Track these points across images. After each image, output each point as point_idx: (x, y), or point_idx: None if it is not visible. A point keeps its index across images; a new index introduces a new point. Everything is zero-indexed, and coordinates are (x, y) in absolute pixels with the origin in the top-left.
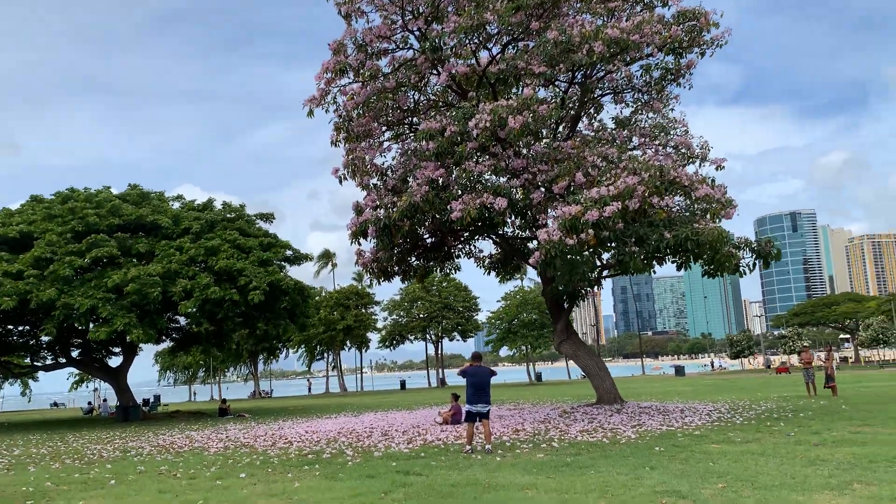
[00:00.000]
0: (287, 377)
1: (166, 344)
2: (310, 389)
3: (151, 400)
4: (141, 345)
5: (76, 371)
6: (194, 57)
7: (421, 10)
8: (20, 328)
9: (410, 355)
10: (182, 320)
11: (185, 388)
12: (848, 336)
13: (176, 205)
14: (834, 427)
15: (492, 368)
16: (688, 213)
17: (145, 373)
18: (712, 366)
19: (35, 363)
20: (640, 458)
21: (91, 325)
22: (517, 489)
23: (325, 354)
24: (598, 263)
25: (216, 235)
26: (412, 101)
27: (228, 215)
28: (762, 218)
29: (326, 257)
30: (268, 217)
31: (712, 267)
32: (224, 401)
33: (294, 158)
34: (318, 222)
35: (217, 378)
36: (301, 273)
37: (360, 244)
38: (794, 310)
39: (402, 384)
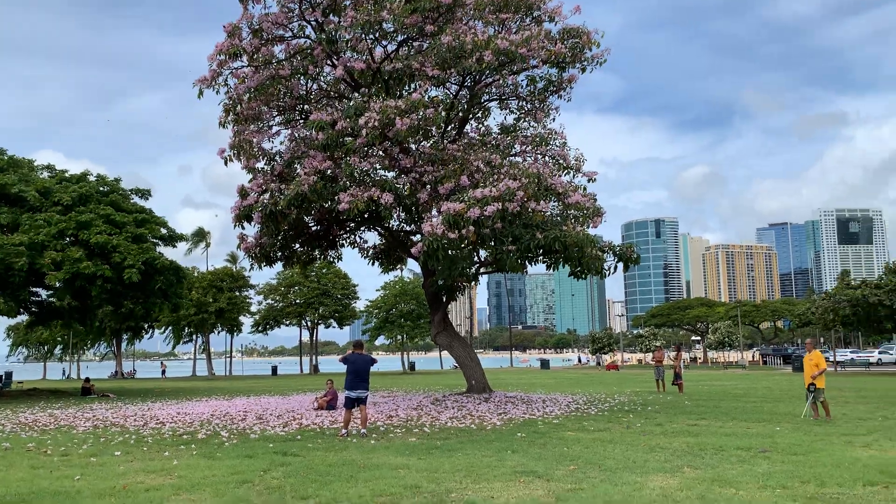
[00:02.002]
0: (150, 358)
1: (23, 317)
2: (164, 373)
3: (3, 377)
4: None
5: None
6: (66, 14)
7: (318, 2)
8: None
9: (282, 341)
10: (43, 293)
11: (39, 366)
12: (699, 338)
13: (46, 174)
14: (675, 420)
15: (372, 356)
16: (559, 218)
17: None
18: (580, 360)
19: None
20: (503, 443)
21: None
22: (390, 469)
23: (194, 337)
24: (477, 260)
25: (89, 209)
26: (304, 88)
27: (102, 188)
28: (629, 223)
29: (201, 236)
30: (144, 193)
31: (578, 268)
32: (87, 380)
33: (168, 131)
34: (189, 199)
35: (76, 356)
36: (172, 251)
37: (243, 228)
38: (652, 311)
39: (274, 370)
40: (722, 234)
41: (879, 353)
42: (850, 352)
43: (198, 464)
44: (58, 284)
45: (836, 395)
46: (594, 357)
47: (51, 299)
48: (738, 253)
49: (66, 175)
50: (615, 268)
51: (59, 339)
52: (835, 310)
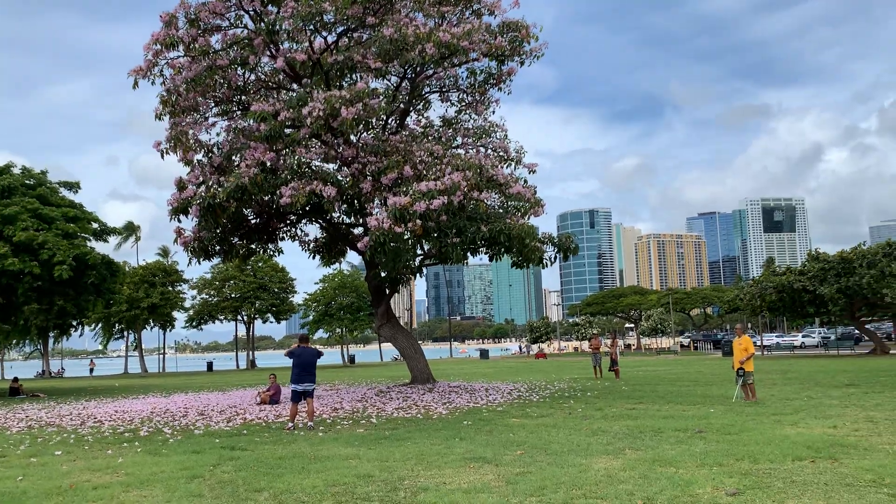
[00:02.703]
0: (77, 356)
1: None
2: (91, 371)
3: None
4: None
5: None
6: None
7: None
8: None
9: (215, 336)
10: None
11: None
12: (632, 325)
13: None
14: (614, 404)
15: (318, 349)
16: (502, 210)
17: None
18: (520, 349)
19: None
20: (450, 431)
21: None
22: (341, 459)
23: (125, 333)
24: (421, 252)
25: (14, 203)
26: (243, 79)
27: (28, 181)
28: (564, 214)
29: (131, 230)
30: (73, 186)
31: (520, 258)
32: (16, 379)
33: (91, 120)
34: (116, 191)
35: (1, 355)
36: (101, 245)
37: (180, 221)
38: (588, 300)
39: (209, 366)
40: (653, 223)
41: (803, 336)
42: (776, 336)
43: (144, 461)
44: None
45: (764, 378)
46: (524, 346)
47: None
48: (669, 242)
49: None
50: (555, 258)
51: None
52: (762, 296)
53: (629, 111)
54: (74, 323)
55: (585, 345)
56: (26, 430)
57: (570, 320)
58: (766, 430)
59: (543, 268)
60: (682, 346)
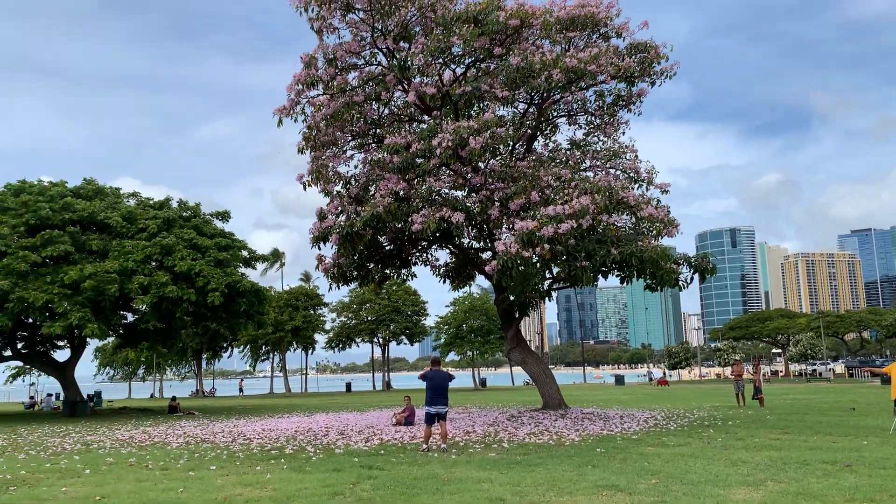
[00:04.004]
0: (227, 376)
1: (110, 339)
2: (241, 390)
3: (94, 396)
4: (89, 340)
5: (12, 365)
6: (144, 45)
7: (390, 29)
8: None
9: (354, 358)
10: (130, 316)
11: (124, 385)
12: (779, 351)
13: (131, 201)
14: (757, 434)
15: (450, 372)
16: (633, 232)
17: (81, 367)
18: (650, 378)
19: None
20: (583, 458)
21: (44, 320)
22: (474, 482)
23: (271, 355)
24: (549, 276)
25: (172, 234)
26: (377, 113)
27: (184, 214)
28: (703, 233)
29: (276, 257)
30: (223, 216)
31: (654, 281)
32: (174, 398)
33: (238, 155)
34: (261, 221)
35: (160, 375)
36: (249, 271)
37: (320, 249)
38: (730, 324)
39: (348, 386)
40: (799, 242)
41: None
42: None
43: (290, 477)
44: (145, 308)
45: None
46: (648, 373)
47: (139, 323)
48: (819, 261)
49: (150, 202)
50: (691, 280)
51: (143, 359)
52: None
53: (770, 124)
54: (225, 345)
55: (728, 371)
56: (184, 446)
57: (712, 345)
58: None
59: (680, 290)
60: (834, 373)
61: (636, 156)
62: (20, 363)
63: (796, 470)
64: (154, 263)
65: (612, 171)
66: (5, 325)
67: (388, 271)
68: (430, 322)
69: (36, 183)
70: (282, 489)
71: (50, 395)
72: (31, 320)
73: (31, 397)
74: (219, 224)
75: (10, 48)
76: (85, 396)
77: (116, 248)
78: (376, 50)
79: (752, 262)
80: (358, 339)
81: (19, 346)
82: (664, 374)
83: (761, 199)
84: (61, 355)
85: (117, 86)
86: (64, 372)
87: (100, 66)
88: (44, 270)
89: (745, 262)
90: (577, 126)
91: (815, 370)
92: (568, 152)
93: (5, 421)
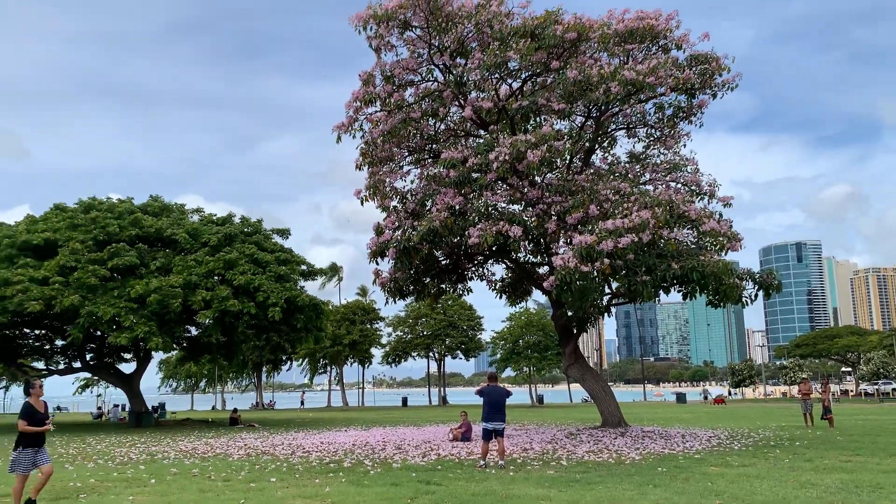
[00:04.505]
0: (286, 389)
1: (174, 352)
2: (303, 403)
3: (158, 407)
4: (153, 352)
5: (81, 376)
6: (208, 65)
7: (447, 46)
8: (36, 332)
9: (409, 372)
10: (193, 330)
11: (187, 397)
12: (849, 369)
13: (195, 217)
14: (826, 455)
15: (507, 388)
16: (695, 246)
17: (146, 379)
18: (705, 396)
19: (49, 367)
20: (644, 477)
21: (112, 333)
22: (532, 500)
23: (328, 368)
24: (608, 291)
25: (234, 249)
26: (433, 129)
27: (246, 229)
28: (768, 247)
29: (334, 271)
30: (283, 232)
31: (716, 297)
32: (235, 410)
33: (298, 171)
34: (319, 236)
35: (221, 388)
36: (307, 284)
37: (378, 263)
38: (797, 341)
39: (404, 401)
40: (870, 256)
41: None
42: None
43: (348, 490)
44: (208, 322)
45: None
46: (704, 391)
47: (202, 337)
48: (891, 276)
49: (213, 217)
50: (755, 296)
51: (205, 372)
52: None
53: (838, 135)
54: (285, 358)
55: (794, 390)
56: (245, 458)
57: (777, 363)
58: None
59: (743, 307)
60: None
61: (697, 168)
62: (89, 374)
63: (869, 493)
64: (216, 278)
65: (672, 184)
66: (76, 337)
67: (444, 286)
68: (485, 337)
69: (105, 200)
70: (341, 502)
71: (116, 405)
72: (99, 333)
73: (99, 408)
74: (279, 240)
75: (86, 73)
76: (150, 408)
77: (180, 262)
78: (433, 66)
79: (819, 278)
80: (414, 354)
81: (88, 357)
82: (730, 392)
83: (828, 212)
84: (128, 367)
85: (183, 106)
86: (130, 383)
87: (168, 87)
88: (111, 285)
89: (811, 277)
90: (636, 139)
91: (893, 389)
92: (627, 165)
93: (75, 431)
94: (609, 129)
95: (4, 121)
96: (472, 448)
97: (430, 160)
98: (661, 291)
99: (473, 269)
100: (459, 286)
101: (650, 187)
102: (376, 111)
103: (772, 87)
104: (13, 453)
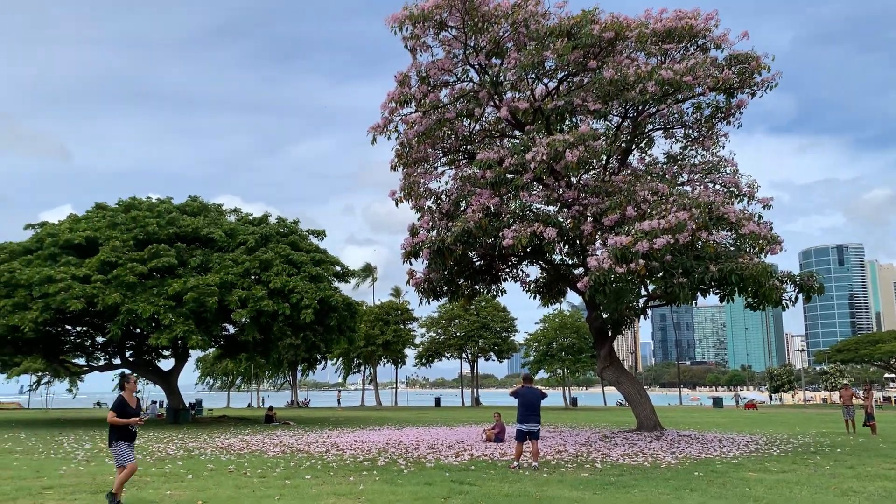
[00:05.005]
0: (320, 388)
1: (211, 350)
2: (339, 402)
3: (196, 404)
4: (191, 350)
5: (121, 372)
6: (244, 69)
7: (482, 46)
8: (78, 329)
9: (442, 373)
10: (230, 328)
11: (223, 395)
12: (893, 375)
13: (232, 217)
14: (869, 463)
15: (542, 390)
16: (734, 248)
17: (184, 376)
18: (737, 401)
19: (90, 363)
20: (680, 482)
21: (151, 330)
22: (566, 502)
23: (362, 368)
24: (644, 293)
25: (270, 249)
26: (468, 130)
27: (282, 230)
28: (808, 250)
29: (368, 271)
30: (319, 233)
31: (756, 300)
32: (270, 408)
33: (331, 173)
34: (353, 237)
35: (256, 386)
36: (342, 285)
37: (412, 264)
38: (838, 346)
39: (437, 401)
40: None
41: None
42: None
43: (382, 489)
44: (245, 320)
45: None
46: (736, 396)
47: (239, 335)
48: None
49: (250, 218)
50: (796, 299)
51: (241, 370)
52: None
53: (879, 137)
54: (319, 357)
55: (835, 396)
56: (280, 455)
57: (817, 368)
58: None
59: (783, 310)
60: None
61: (736, 169)
62: (128, 371)
63: None
64: (252, 277)
65: (710, 185)
66: (116, 334)
67: (477, 287)
68: (518, 339)
69: (144, 200)
70: (374, 500)
71: (154, 402)
72: (138, 330)
73: None
74: (314, 240)
75: (124, 76)
76: (187, 405)
77: (217, 261)
78: (468, 67)
79: (861, 281)
80: (447, 355)
81: (128, 354)
82: (771, 397)
83: (871, 215)
84: (165, 364)
85: (221, 109)
86: (168, 380)
87: (204, 90)
88: (150, 283)
89: (853, 280)
90: (673, 139)
91: None
92: (664, 166)
93: None
94: (646, 130)
95: (47, 124)
96: (506, 449)
97: (464, 161)
98: (698, 294)
99: (507, 270)
100: (493, 287)
101: (688, 188)
102: (411, 112)
103: (812, 88)
104: (111, 449)
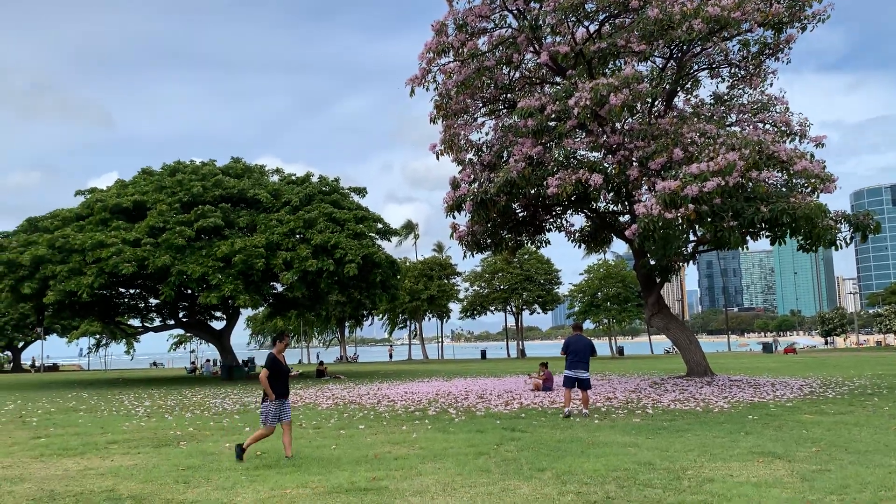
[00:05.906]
0: (367, 344)
1: (261, 308)
2: (391, 356)
3: (249, 362)
4: (241, 309)
5: (175, 333)
6: (282, 27)
7: None
8: (131, 291)
9: (487, 326)
10: (279, 286)
11: None
12: None
13: (275, 178)
14: None
15: (591, 340)
16: (785, 189)
17: (236, 335)
18: (774, 347)
19: (145, 324)
20: (734, 425)
21: (201, 291)
22: (620, 446)
23: (408, 323)
24: (693, 238)
25: (314, 208)
26: (508, 78)
27: (324, 189)
28: (860, 191)
29: (410, 228)
30: (360, 191)
31: (809, 241)
32: (321, 362)
33: (370, 131)
34: (392, 194)
35: (306, 343)
36: (384, 243)
37: (454, 217)
38: (892, 287)
39: (483, 354)
40: None
41: None
42: None
43: (435, 437)
44: (291, 280)
45: None
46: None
47: (287, 293)
48: None
49: (293, 178)
50: (851, 239)
51: (291, 327)
52: None
53: None
54: (366, 313)
55: (890, 338)
56: (333, 407)
57: (871, 311)
58: None
59: (836, 250)
60: None
61: (787, 108)
62: (182, 331)
63: None
64: (297, 237)
65: (760, 124)
66: (168, 295)
67: (521, 238)
68: (563, 290)
69: (189, 163)
70: (428, 448)
71: (209, 360)
72: (189, 291)
73: (192, 363)
74: (356, 198)
75: (164, 40)
76: (240, 362)
77: (263, 221)
78: (506, 12)
79: None
80: (491, 308)
81: (181, 315)
82: (826, 341)
83: None
84: (218, 324)
85: (260, 69)
86: (221, 339)
87: (243, 52)
88: (198, 244)
89: None
90: (719, 79)
91: None
92: (712, 107)
93: (171, 385)
94: (691, 70)
95: (90, 91)
96: (555, 397)
97: (504, 110)
98: (748, 237)
99: (551, 220)
100: (537, 238)
101: (737, 129)
102: (449, 62)
103: (864, 21)
104: (262, 406)
